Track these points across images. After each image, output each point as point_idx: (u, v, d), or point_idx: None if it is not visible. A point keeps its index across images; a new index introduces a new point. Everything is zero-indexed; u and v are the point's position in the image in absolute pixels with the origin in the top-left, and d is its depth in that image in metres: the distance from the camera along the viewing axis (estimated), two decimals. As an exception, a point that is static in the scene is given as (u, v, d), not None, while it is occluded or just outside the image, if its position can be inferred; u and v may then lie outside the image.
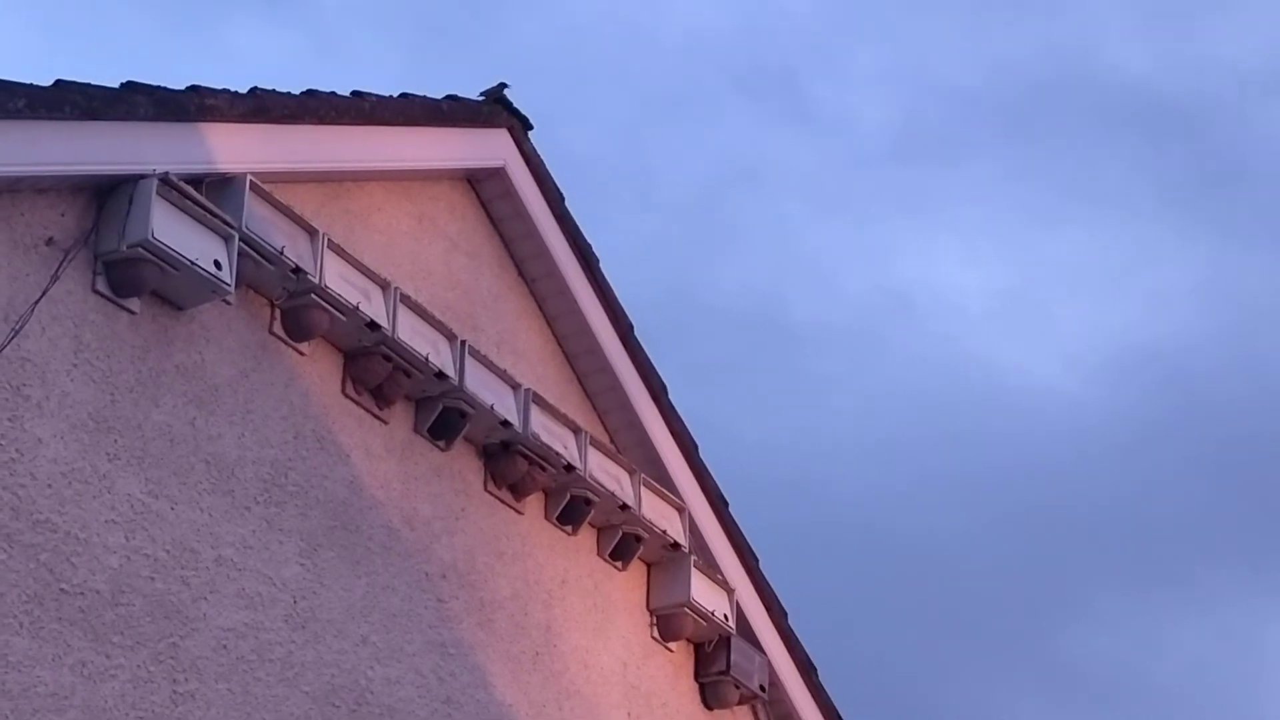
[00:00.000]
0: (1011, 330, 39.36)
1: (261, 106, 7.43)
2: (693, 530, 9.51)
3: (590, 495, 8.83)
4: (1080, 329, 38.33)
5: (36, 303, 6.43)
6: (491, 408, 8.26)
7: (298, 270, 7.36)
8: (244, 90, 7.42)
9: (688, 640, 9.57)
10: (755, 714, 10.00)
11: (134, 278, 6.77)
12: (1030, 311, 38.65)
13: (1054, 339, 38.60)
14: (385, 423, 7.98)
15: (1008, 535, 32.48)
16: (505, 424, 8.33)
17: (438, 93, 8.65)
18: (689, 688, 9.58)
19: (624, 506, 9.00)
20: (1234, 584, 33.05)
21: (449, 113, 8.67)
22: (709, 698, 9.63)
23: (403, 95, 8.40)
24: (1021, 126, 39.32)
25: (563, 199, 9.20)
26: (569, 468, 8.67)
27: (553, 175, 9.17)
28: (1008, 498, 32.20)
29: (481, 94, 9.00)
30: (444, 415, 8.16)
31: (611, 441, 9.35)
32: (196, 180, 7.05)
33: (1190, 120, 37.77)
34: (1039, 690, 31.92)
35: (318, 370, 7.69)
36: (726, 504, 9.81)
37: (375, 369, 7.82)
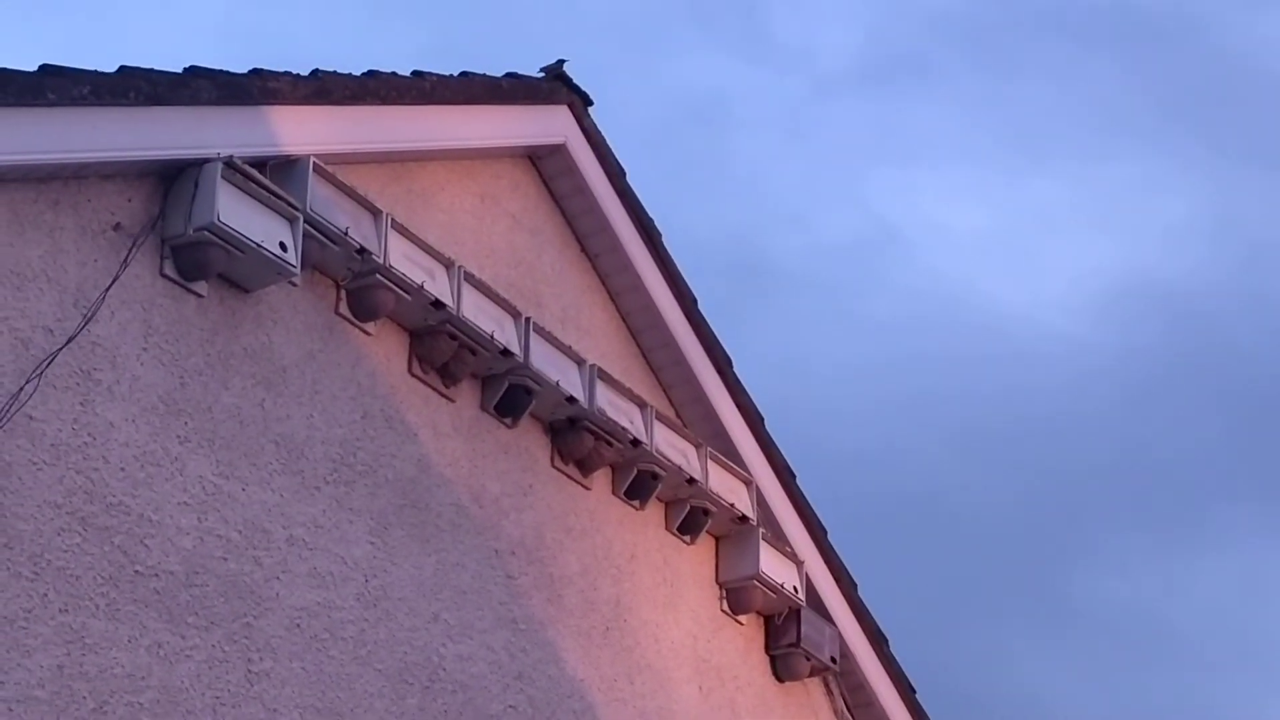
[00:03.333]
0: (1007, 271, 37.78)
1: (323, 88, 7.46)
2: (760, 503, 9.51)
3: (657, 470, 8.84)
4: (1079, 267, 36.88)
5: (108, 289, 6.48)
6: (557, 384, 8.28)
7: (362, 251, 7.39)
8: (305, 73, 7.46)
9: (758, 613, 9.57)
10: (827, 686, 10.00)
11: (201, 261, 6.81)
12: (1024, 250, 36.97)
13: (1052, 279, 37.06)
14: (452, 401, 8.01)
15: (1014, 480, 31.60)
16: (571, 400, 8.35)
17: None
18: (760, 660, 9.59)
19: (691, 480, 9.01)
20: (1249, 524, 32.21)
21: (509, 90, 8.68)
22: (780, 670, 9.64)
23: (463, 74, 8.42)
24: (994, 47, 37.61)
25: (624, 174, 9.20)
26: (635, 443, 8.68)
27: (614, 151, 9.18)
28: (1012, 442, 31.21)
29: (541, 70, 9.01)
30: (510, 392, 8.18)
31: (677, 416, 9.35)
32: (260, 163, 7.09)
33: (1172, 35, 35.96)
34: (1052, 636, 31.27)
35: (384, 350, 7.72)
36: (794, 476, 9.81)
37: (441, 347, 7.85)
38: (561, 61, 9.03)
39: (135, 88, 6.60)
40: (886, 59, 38.24)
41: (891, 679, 10.16)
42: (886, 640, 10.17)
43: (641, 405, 8.82)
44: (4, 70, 6.13)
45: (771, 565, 9.40)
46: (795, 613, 9.58)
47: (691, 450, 9.09)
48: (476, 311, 7.94)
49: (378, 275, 7.49)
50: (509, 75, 8.74)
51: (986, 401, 31.30)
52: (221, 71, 7.01)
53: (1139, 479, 31.80)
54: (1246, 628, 31.35)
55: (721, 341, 9.53)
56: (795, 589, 9.52)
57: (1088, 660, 30.70)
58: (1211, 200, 35.65)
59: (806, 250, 36.28)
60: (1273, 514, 32.69)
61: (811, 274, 35.53)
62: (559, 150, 8.96)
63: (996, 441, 31.48)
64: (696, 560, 9.31)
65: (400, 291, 7.59)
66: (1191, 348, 32.88)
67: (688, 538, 9.22)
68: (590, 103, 9.10)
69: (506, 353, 8.03)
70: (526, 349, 8.16)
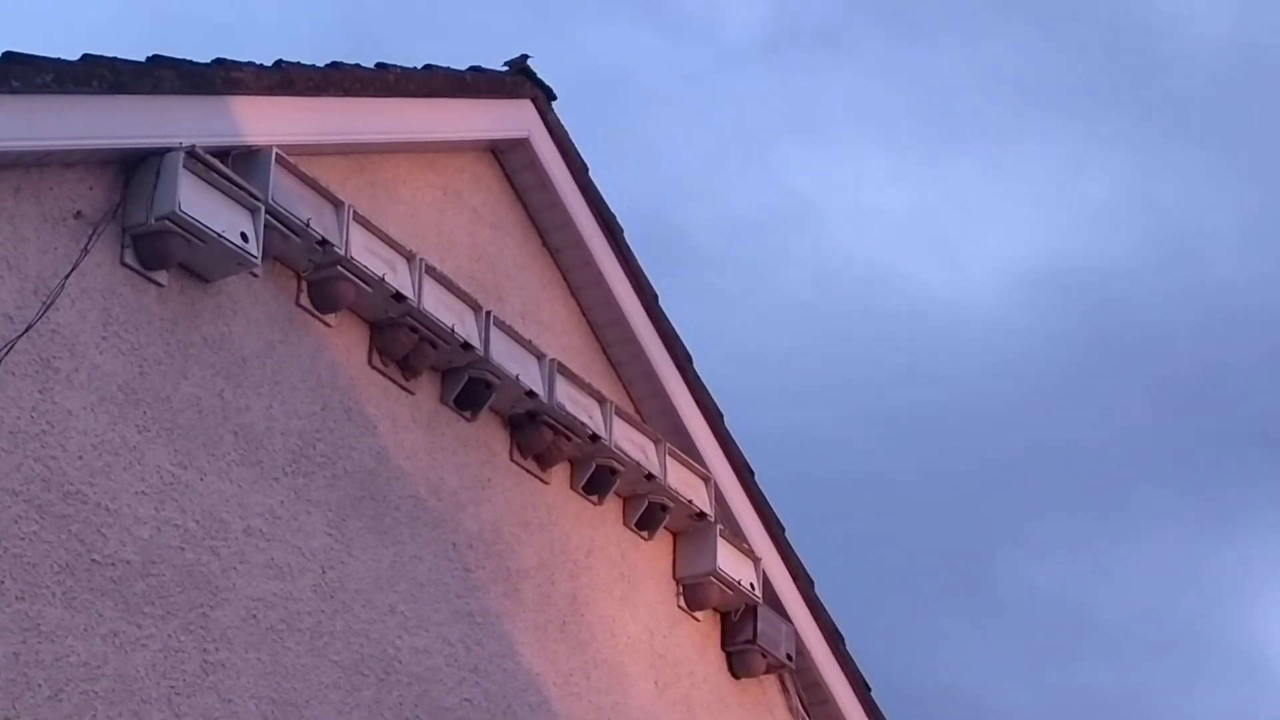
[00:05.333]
0: (926, 253, 36.42)
1: (287, 79, 7.46)
2: (718, 499, 9.54)
3: (616, 465, 8.86)
4: (1000, 250, 35.86)
5: (67, 277, 6.47)
6: (517, 378, 8.29)
7: (324, 242, 7.40)
8: (269, 63, 7.46)
9: (714, 609, 9.59)
10: (782, 683, 10.03)
11: (162, 250, 6.81)
12: (943, 232, 35.97)
13: (973, 263, 36.00)
14: (411, 393, 8.01)
15: (936, 466, 30.44)
16: (531, 394, 8.36)
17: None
18: (716, 656, 9.61)
19: (649, 476, 9.02)
20: (1173, 512, 31.80)
21: (473, 84, 8.69)
22: (736, 666, 9.66)
23: (426, 67, 8.42)
24: (905, 18, 35.90)
25: (586, 169, 9.22)
26: (594, 438, 8.70)
27: (577, 146, 9.19)
28: (934, 428, 30.20)
29: (505, 64, 9.02)
30: (470, 386, 8.19)
31: (637, 411, 9.37)
32: (223, 153, 7.08)
33: (1089, 5, 34.83)
34: (978, 624, 30.65)
35: (344, 342, 7.73)
36: (752, 473, 9.83)
37: (401, 340, 7.85)
38: (525, 56, 9.04)
39: (98, 76, 6.59)
40: (794, 29, 37.33)
41: (847, 677, 10.19)
42: (842, 638, 10.20)
43: (601, 400, 8.83)
44: (-34, 57, 6.12)
45: (729, 562, 9.43)
46: (752, 609, 9.60)
47: (650, 446, 9.11)
48: (437, 304, 7.95)
49: (339, 267, 7.49)
50: (473, 69, 8.75)
51: (907, 386, 30.52)
52: (185, 61, 7.00)
53: (1064, 465, 31.14)
54: (1170, 615, 31.07)
55: (682, 338, 9.57)
56: (752, 586, 9.54)
57: (1013, 648, 30.39)
58: (1134, 181, 34.63)
59: (717, 225, 35.22)
60: (1197, 501, 32.30)
61: (723, 250, 34.51)
62: (522, 144, 8.96)
63: (918, 427, 30.71)
64: (654, 556, 9.33)
65: (361, 283, 7.59)
66: (1116, 333, 32.16)
67: (645, 533, 9.24)
68: (554, 97, 9.12)
69: (467, 346, 8.04)
70: (487, 343, 8.17)
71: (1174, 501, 31.94)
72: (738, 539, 9.58)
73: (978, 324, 33.00)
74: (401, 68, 8.19)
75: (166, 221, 6.73)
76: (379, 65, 8.10)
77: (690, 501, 9.27)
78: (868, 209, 36.13)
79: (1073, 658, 30.34)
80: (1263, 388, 30.92)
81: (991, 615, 30.78)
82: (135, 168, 6.82)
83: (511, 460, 8.51)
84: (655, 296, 9.46)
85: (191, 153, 6.82)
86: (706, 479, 9.48)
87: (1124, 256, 34.10)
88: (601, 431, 8.74)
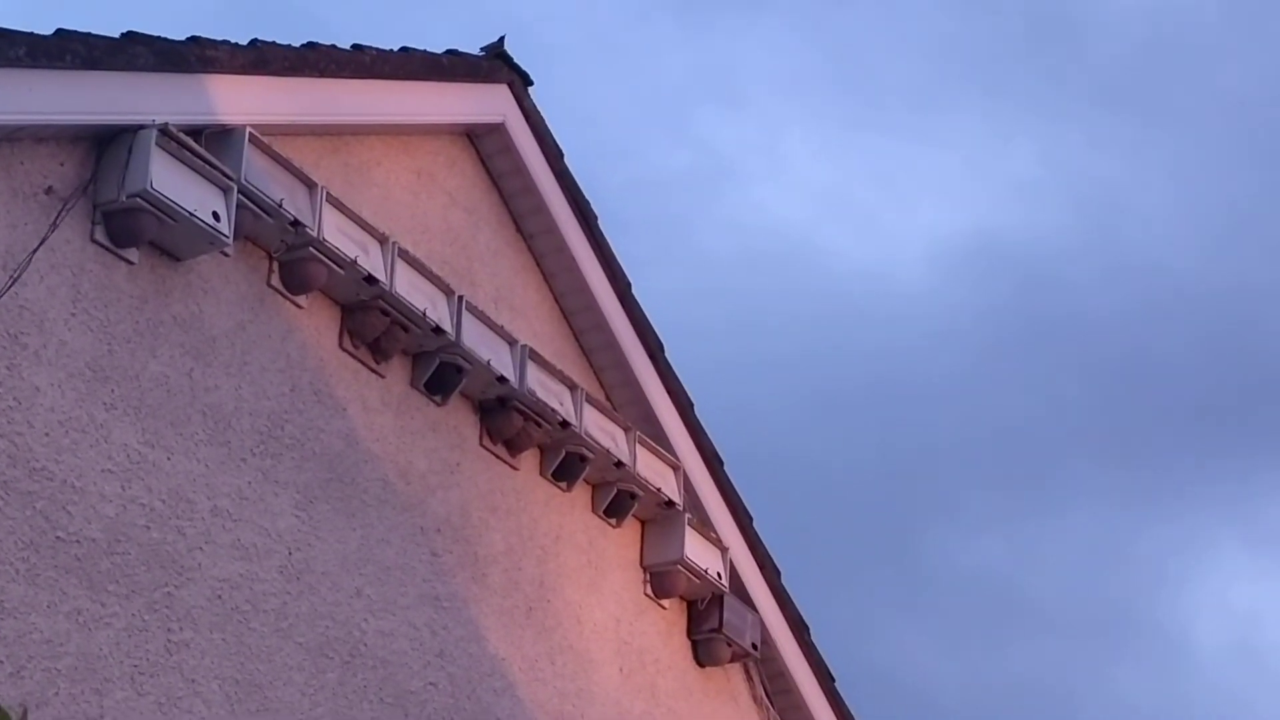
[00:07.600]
0: (849, 227, 35.81)
1: (262, 59, 7.43)
2: (687, 488, 9.54)
3: (585, 452, 8.85)
4: (926, 225, 35.24)
5: (34, 251, 6.45)
6: (488, 363, 8.28)
7: (296, 223, 7.37)
8: (244, 42, 7.43)
9: (681, 598, 9.60)
10: (747, 672, 10.04)
11: (132, 228, 6.78)
12: (867, 206, 35.13)
13: (898, 238, 35.43)
14: (382, 377, 8.00)
15: (864, 443, 30.48)
16: (501, 380, 8.35)
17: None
18: (681, 645, 9.62)
19: (619, 464, 9.02)
20: (1101, 490, 31.49)
21: (449, 67, 8.67)
22: (701, 655, 9.68)
23: (403, 49, 8.39)
24: None
25: (562, 155, 9.21)
26: (565, 424, 8.69)
27: (553, 132, 9.18)
28: (862, 404, 30.15)
29: (482, 49, 9.00)
30: (440, 370, 8.18)
31: (607, 399, 9.37)
32: (196, 131, 7.05)
33: None
34: (907, 603, 30.20)
35: (315, 323, 7.70)
36: (721, 463, 9.84)
37: (373, 323, 7.84)
38: (502, 39, 9.03)
39: (72, 51, 6.56)
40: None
41: (811, 667, 10.21)
42: (808, 628, 10.22)
43: (572, 387, 8.83)
44: (-61, 29, 6.09)
45: (696, 551, 9.43)
46: (718, 598, 9.62)
47: (620, 434, 9.11)
48: (409, 288, 7.93)
49: (311, 248, 7.47)
50: (449, 52, 8.73)
51: (833, 363, 30.05)
52: (159, 38, 6.98)
53: (991, 442, 30.72)
54: (1096, 594, 30.66)
55: (654, 326, 9.57)
56: (719, 575, 9.55)
57: (939, 626, 29.97)
58: (1062, 153, 33.68)
59: (628, 186, 33.93)
60: (1124, 480, 31.80)
61: (635, 212, 33.43)
62: (497, 129, 8.95)
63: (841, 404, 30.05)
64: (621, 543, 9.33)
65: (333, 265, 7.57)
66: (1045, 309, 31.70)
67: (614, 521, 9.24)
68: (530, 82, 9.10)
69: (438, 330, 8.03)
70: (458, 327, 8.15)
71: (1101, 480, 31.47)
72: (705, 528, 9.59)
73: (902, 298, 32.37)
74: (377, 49, 8.17)
75: (138, 199, 6.71)
76: (355, 46, 8.07)
77: (659, 490, 9.27)
78: (787, 178, 35.35)
79: (998, 635, 30.18)
80: (1191, 366, 30.80)
81: (917, 593, 30.38)
82: (107, 144, 6.79)
83: (481, 445, 8.50)
84: (628, 284, 9.46)
85: (164, 130, 6.80)
86: (675, 467, 9.48)
87: (1052, 230, 33.53)
88: (572, 418, 8.73)
